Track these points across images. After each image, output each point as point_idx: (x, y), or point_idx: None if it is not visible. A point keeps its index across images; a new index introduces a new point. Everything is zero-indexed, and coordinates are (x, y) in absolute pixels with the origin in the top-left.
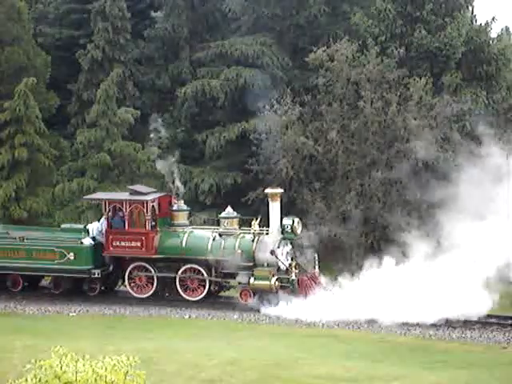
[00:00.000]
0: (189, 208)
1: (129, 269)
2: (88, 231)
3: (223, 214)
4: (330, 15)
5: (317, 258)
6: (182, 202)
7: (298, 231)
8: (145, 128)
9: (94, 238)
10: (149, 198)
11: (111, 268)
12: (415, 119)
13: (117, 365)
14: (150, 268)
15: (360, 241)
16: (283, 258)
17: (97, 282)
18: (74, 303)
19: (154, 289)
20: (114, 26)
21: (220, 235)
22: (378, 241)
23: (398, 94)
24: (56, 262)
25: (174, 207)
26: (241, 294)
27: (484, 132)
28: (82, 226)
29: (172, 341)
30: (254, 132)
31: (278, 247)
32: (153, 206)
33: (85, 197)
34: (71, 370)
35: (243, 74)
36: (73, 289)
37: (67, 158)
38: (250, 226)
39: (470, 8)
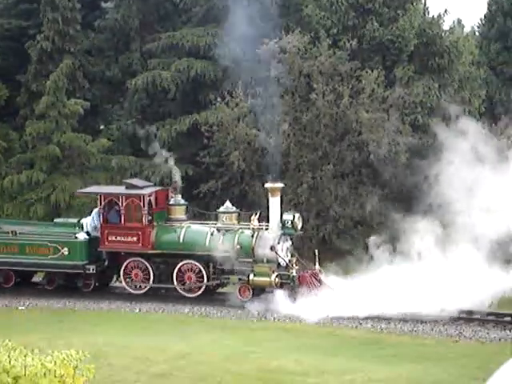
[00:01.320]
0: (186, 202)
1: (124, 264)
2: (82, 226)
3: (222, 209)
4: (281, 7)
5: (317, 255)
6: (180, 196)
7: (299, 227)
8: (95, 120)
9: (88, 233)
10: (146, 191)
11: (106, 263)
12: (367, 112)
13: (66, 359)
14: (147, 263)
15: (312, 234)
16: (283, 254)
17: (91, 278)
18: (23, 297)
19: (150, 285)
20: (63, 16)
21: (218, 230)
22: (329, 234)
23: (350, 86)
24: (50, 257)
25: (171, 201)
26: (239, 290)
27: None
28: (75, 221)
29: (122, 335)
30: (206, 124)
31: (278, 243)
32: (150, 200)
33: (79, 190)
34: (20, 364)
35: (194, 66)
36: (67, 285)
37: (16, 149)
38: (250, 221)
39: (423, 0)
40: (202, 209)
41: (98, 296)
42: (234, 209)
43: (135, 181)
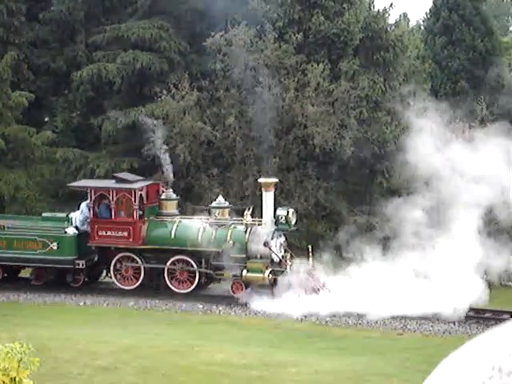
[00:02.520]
0: (178, 197)
1: (114, 259)
2: (71, 220)
3: (214, 204)
4: (228, 0)
5: (310, 251)
6: (171, 190)
7: (293, 222)
8: (40, 112)
9: (77, 228)
10: (136, 186)
11: (96, 258)
12: (313, 105)
13: (10, 352)
14: (137, 259)
15: None
16: (277, 250)
17: (81, 273)
18: None
19: (140, 280)
20: (8, 8)
21: (211, 225)
22: None
23: (296, 79)
24: (38, 251)
25: (163, 196)
26: (232, 286)
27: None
28: (64, 215)
29: (67, 328)
30: (151, 117)
31: (272, 238)
32: (141, 194)
33: (69, 184)
34: None
35: (140, 58)
36: (55, 280)
37: None
38: (242, 216)
39: None
40: None
41: (42, 289)
42: (227, 204)
43: (126, 175)
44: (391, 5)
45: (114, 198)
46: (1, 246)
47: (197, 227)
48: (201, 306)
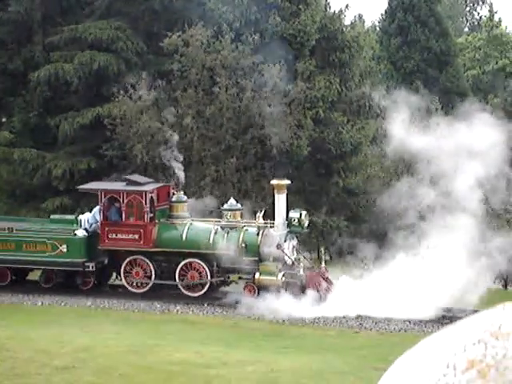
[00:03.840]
0: (189, 199)
1: (125, 262)
2: (80, 222)
3: (226, 206)
4: (185, 0)
5: (323, 253)
6: (182, 192)
7: (305, 224)
8: None
9: (86, 230)
10: (148, 188)
11: (106, 261)
12: (269, 106)
13: None
14: (148, 262)
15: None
16: (289, 253)
17: (91, 276)
18: None
19: (151, 283)
20: None
21: (222, 228)
22: None
23: (253, 80)
24: (48, 254)
25: (173, 198)
26: (245, 289)
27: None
28: (72, 217)
29: (25, 328)
30: (109, 117)
31: (285, 241)
32: (151, 196)
33: (79, 186)
34: None
35: (97, 59)
36: (65, 283)
37: None
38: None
39: None
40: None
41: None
42: (239, 206)
43: (136, 177)
44: (347, 6)
45: (125, 201)
46: (10, 249)
47: (208, 230)
48: (158, 306)
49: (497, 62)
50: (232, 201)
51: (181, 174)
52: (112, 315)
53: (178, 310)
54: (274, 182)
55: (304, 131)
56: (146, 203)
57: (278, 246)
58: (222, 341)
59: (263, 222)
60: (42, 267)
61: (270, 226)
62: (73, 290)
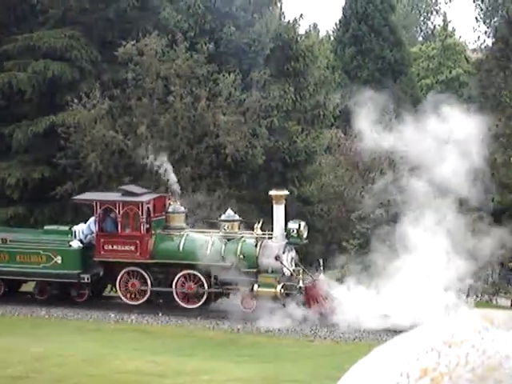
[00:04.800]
0: (186, 210)
1: (121, 274)
2: (74, 233)
3: (223, 217)
4: (139, 9)
5: (321, 264)
6: (179, 203)
7: (304, 235)
8: None
9: (81, 241)
10: (144, 199)
11: (101, 273)
12: (224, 115)
13: None
14: (144, 273)
15: None
16: (288, 264)
17: (86, 288)
18: None
19: (147, 295)
20: None
21: (220, 239)
22: None
23: (208, 89)
24: (42, 265)
25: (170, 209)
26: (242, 301)
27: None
28: (67, 228)
29: None
30: (63, 126)
31: (283, 252)
32: (148, 207)
33: (74, 197)
34: None
35: (51, 67)
36: (59, 295)
37: None
38: (253, 229)
39: (279, 4)
40: (58, 211)
41: None
42: (237, 217)
43: (132, 187)
44: (301, 15)
45: (121, 212)
46: (3, 260)
47: (205, 241)
48: (113, 315)
49: (450, 72)
50: (230, 211)
51: (176, 186)
52: (66, 324)
53: (132, 320)
54: (272, 192)
55: (259, 140)
56: (142, 214)
57: (277, 258)
58: (177, 350)
59: (261, 232)
60: (37, 279)
61: (269, 237)
62: (68, 302)
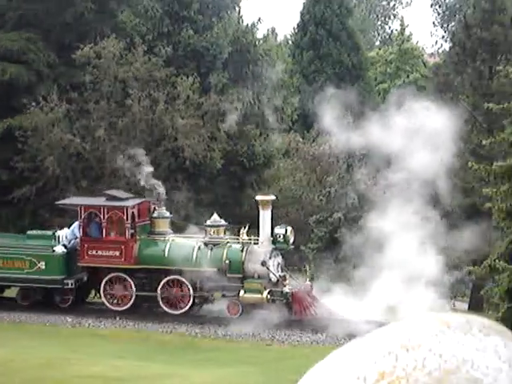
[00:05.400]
0: (171, 215)
1: (105, 280)
2: (58, 238)
3: (209, 222)
4: (97, 12)
5: (308, 269)
6: (164, 208)
7: (291, 241)
8: None
9: (65, 246)
10: (129, 203)
11: (85, 278)
12: (183, 118)
13: None
14: (129, 279)
15: None
16: (274, 270)
17: (69, 293)
18: None
19: (132, 301)
20: None
21: (206, 244)
22: None
23: (166, 92)
24: (25, 271)
25: (155, 214)
26: (228, 307)
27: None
28: (50, 233)
29: None
30: (20, 129)
31: (270, 258)
32: (133, 212)
33: (58, 202)
34: None
35: (8, 70)
36: (43, 300)
37: None
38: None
39: (237, 9)
40: (15, 214)
41: None
42: (223, 222)
43: (116, 192)
44: (259, 19)
45: (106, 216)
46: None
47: (191, 246)
48: (70, 320)
49: (408, 76)
50: (215, 217)
51: (161, 190)
52: (27, 329)
53: (89, 324)
54: (258, 197)
55: (217, 143)
56: (127, 219)
57: (263, 263)
58: (136, 354)
59: (247, 238)
60: (20, 284)
61: (254, 243)
62: (52, 307)
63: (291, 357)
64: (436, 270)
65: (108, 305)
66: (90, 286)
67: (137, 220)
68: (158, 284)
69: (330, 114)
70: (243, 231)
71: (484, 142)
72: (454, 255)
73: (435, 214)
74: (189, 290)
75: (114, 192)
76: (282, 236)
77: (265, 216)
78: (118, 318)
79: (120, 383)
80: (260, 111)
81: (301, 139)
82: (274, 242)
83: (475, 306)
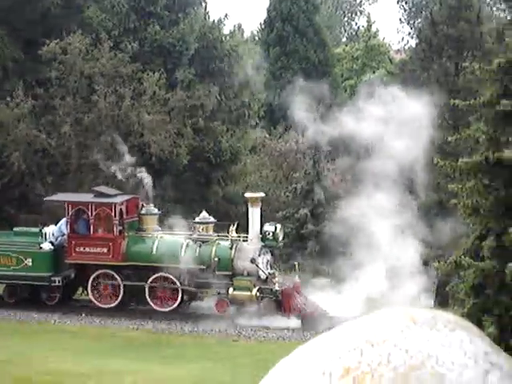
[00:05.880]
0: (159, 211)
1: (92, 276)
2: (45, 235)
3: (197, 219)
4: (63, 8)
5: (297, 267)
6: (152, 205)
7: (280, 238)
8: None
9: (52, 243)
10: (117, 200)
11: (73, 275)
12: (149, 114)
13: None
14: (116, 276)
15: None
16: (264, 267)
17: (56, 291)
18: None
19: (120, 298)
20: None
21: (194, 241)
22: None
23: (132, 88)
24: (12, 268)
25: (143, 210)
26: (217, 304)
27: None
28: (37, 230)
29: None
30: None
31: (259, 255)
32: (121, 209)
33: (45, 198)
34: None
35: None
36: (29, 298)
37: None
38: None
39: (203, 4)
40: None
41: None
42: (212, 219)
43: (104, 188)
44: (226, 15)
45: (93, 213)
46: None
47: (179, 243)
48: (36, 316)
49: (374, 72)
50: (204, 213)
51: (149, 186)
52: None
53: (55, 320)
54: (247, 195)
55: (184, 140)
56: (115, 215)
57: (253, 261)
58: (100, 350)
59: (236, 235)
60: (6, 281)
61: (243, 240)
62: (38, 305)
63: (257, 352)
64: (403, 265)
65: (95, 302)
66: (77, 283)
67: (125, 217)
68: (146, 281)
69: (296, 110)
70: (232, 228)
71: (450, 139)
72: (423, 251)
73: (403, 210)
74: (177, 287)
75: (102, 188)
76: (271, 233)
77: (254, 213)
78: (83, 315)
79: (83, 379)
80: (227, 107)
81: (267, 135)
82: (263, 239)
83: (441, 302)
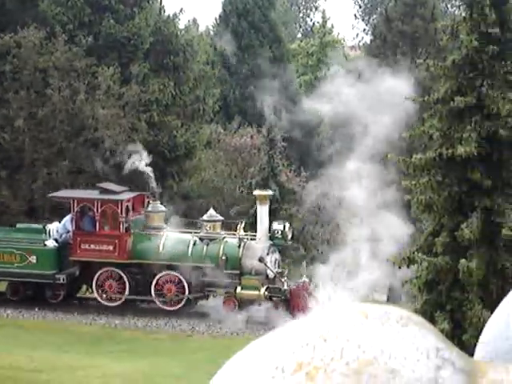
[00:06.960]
0: (166, 208)
1: (97, 274)
2: (48, 231)
3: (205, 217)
4: (17, 1)
5: (305, 266)
6: (159, 202)
7: (289, 237)
8: None
9: (56, 240)
10: (123, 197)
11: (77, 273)
12: (103, 108)
13: None
14: (122, 274)
15: None
16: (272, 266)
17: (61, 289)
18: None
19: (125, 296)
20: None
21: (201, 239)
22: None
23: (86, 82)
24: (16, 265)
25: (149, 208)
26: (224, 303)
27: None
28: (40, 226)
29: None
30: None
31: (267, 254)
32: (127, 206)
33: (50, 194)
34: None
35: None
36: (33, 295)
37: None
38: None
39: None
40: None
41: None
42: (219, 217)
43: (110, 185)
44: (181, 10)
45: (99, 210)
46: None
47: (186, 241)
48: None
49: (329, 69)
50: (212, 211)
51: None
52: None
53: (8, 314)
54: (256, 192)
55: (138, 134)
56: (121, 212)
57: (261, 259)
58: (53, 345)
59: (244, 233)
60: (9, 279)
61: (251, 239)
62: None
63: (210, 348)
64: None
65: (100, 300)
66: (82, 281)
67: (131, 214)
68: (152, 279)
69: (251, 105)
70: (240, 226)
71: (404, 135)
72: (377, 247)
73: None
74: (184, 285)
75: (108, 185)
76: (279, 232)
77: (262, 211)
78: (36, 309)
79: (34, 374)
80: (181, 102)
81: (222, 130)
82: (272, 237)
83: (394, 298)
